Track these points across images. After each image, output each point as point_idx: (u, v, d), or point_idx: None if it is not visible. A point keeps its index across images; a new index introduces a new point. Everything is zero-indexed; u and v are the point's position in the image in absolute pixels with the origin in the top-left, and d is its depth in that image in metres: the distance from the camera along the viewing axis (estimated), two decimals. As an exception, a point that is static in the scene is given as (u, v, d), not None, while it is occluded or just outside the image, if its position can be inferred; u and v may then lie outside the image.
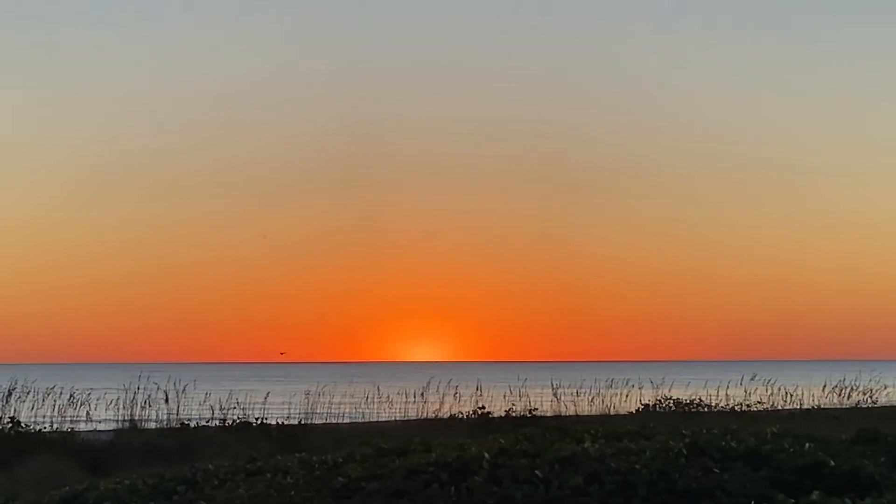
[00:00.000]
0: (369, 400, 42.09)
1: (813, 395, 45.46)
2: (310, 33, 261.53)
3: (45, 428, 31.09)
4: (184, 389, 35.61)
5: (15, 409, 32.48)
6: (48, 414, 34.04)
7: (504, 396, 40.01)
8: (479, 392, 40.23)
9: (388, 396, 42.26)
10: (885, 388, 47.67)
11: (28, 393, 34.53)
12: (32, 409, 33.96)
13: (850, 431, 21.00)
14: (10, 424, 30.06)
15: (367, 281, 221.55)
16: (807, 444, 17.26)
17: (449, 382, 41.49)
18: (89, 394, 36.38)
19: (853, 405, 43.64)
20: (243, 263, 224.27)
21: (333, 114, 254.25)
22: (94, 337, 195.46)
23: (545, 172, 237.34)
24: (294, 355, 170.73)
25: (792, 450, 16.76)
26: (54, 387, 35.69)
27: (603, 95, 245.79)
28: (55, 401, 35.10)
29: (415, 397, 40.57)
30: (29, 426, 30.62)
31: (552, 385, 42.95)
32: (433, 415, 37.46)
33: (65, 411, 34.70)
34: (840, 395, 45.67)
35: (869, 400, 45.22)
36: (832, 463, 16.06)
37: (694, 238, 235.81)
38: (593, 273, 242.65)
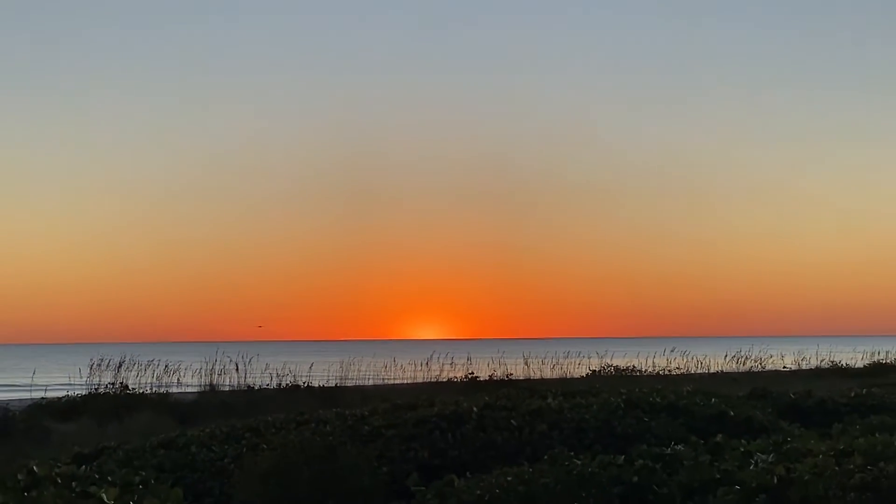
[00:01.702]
0: (387, 368, 42.52)
1: (717, 363, 46.07)
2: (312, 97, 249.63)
3: (146, 391, 31.54)
4: (249, 361, 36.07)
5: (124, 377, 32.80)
6: (148, 380, 34.37)
7: (488, 365, 40.20)
8: (469, 362, 40.60)
9: (401, 365, 42.77)
10: (771, 357, 48.51)
11: (134, 364, 34.87)
12: (137, 376, 34.14)
13: (745, 390, 21.45)
14: (121, 388, 30.50)
15: (382, 278, 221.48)
16: (713, 399, 17.54)
17: (446, 355, 42.31)
18: (178, 365, 36.76)
19: (747, 370, 44.33)
20: (285, 264, 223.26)
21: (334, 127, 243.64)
22: (181, 320, 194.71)
23: (517, 192, 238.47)
24: (325, 335, 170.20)
25: (702, 403, 17.01)
26: (153, 360, 36.15)
27: (544, 134, 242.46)
28: (153, 370, 35.50)
29: (421, 366, 41.54)
30: (134, 389, 31.09)
31: (524, 356, 43.75)
32: (435, 379, 37.84)
33: (160, 378, 35.17)
34: (737, 362, 46.44)
35: (759, 366, 46.26)
36: (732, 413, 16.40)
37: (626, 244, 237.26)
38: (554, 271, 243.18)
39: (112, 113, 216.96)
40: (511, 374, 37.50)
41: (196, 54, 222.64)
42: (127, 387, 31.09)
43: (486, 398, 17.49)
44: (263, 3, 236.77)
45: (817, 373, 40.81)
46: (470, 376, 35.97)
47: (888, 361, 46.84)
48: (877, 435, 12.43)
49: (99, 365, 34.12)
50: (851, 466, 9.04)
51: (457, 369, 39.53)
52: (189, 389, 33.89)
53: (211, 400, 29.61)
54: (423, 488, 11.49)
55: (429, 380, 37.53)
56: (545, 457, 12.23)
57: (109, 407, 27.06)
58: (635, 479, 10.79)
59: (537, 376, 39.00)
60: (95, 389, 31.06)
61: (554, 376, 39.37)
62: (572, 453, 12.32)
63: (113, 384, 31.30)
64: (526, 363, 42.65)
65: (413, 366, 42.03)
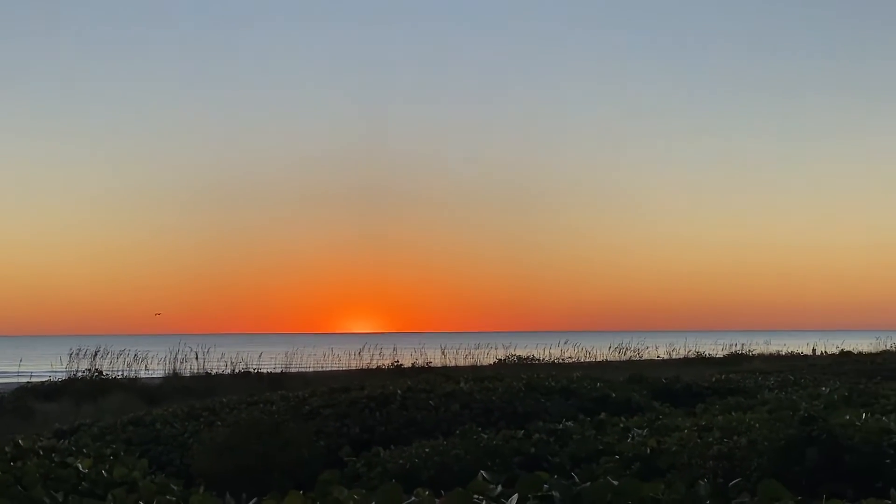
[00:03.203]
0: (325, 357, 42.34)
1: (602, 353, 46.01)
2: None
3: (118, 376, 31.18)
4: (207, 351, 35.88)
5: (99, 364, 32.38)
6: (120, 367, 33.87)
7: (411, 354, 40.17)
8: (395, 352, 40.30)
9: (338, 355, 42.37)
10: (647, 348, 48.61)
11: (107, 354, 34.46)
12: (110, 363, 33.57)
13: (625, 375, 21.60)
14: (96, 373, 30.27)
15: (320, 276, 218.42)
16: (598, 384, 17.72)
17: (376, 346, 41.65)
18: (146, 354, 36.49)
19: (627, 359, 44.33)
20: (243, 266, 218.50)
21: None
22: (147, 317, 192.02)
23: (439, 199, 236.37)
24: (274, 329, 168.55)
25: (589, 387, 17.18)
26: (124, 349, 35.79)
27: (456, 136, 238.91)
28: (124, 358, 35.12)
29: (354, 356, 40.95)
30: (108, 375, 30.79)
31: (441, 347, 43.59)
32: (366, 366, 37.51)
33: (130, 365, 34.77)
34: (619, 352, 46.54)
35: (637, 355, 46.33)
36: (614, 395, 16.56)
37: (530, 249, 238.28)
38: (467, 272, 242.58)
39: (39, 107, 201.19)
40: (430, 363, 37.43)
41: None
42: (101, 372, 30.84)
43: (409, 383, 17.55)
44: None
45: (685, 361, 41.18)
46: (395, 364, 35.99)
47: (744, 352, 47.43)
48: (733, 413, 12.63)
49: (77, 354, 33.78)
50: (711, 439, 9.17)
51: (385, 358, 39.39)
52: (155, 375, 33.56)
53: (174, 384, 29.36)
54: (354, 458, 11.52)
55: (361, 367, 37.38)
56: (457, 432, 12.25)
57: (86, 390, 26.87)
58: (532, 450, 10.88)
59: (452, 364, 38.86)
60: (74, 375, 30.87)
61: (466, 364, 39.30)
62: (480, 429, 12.39)
63: (89, 370, 30.99)
64: (443, 353, 42.62)
65: (348, 355, 41.84)
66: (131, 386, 28.30)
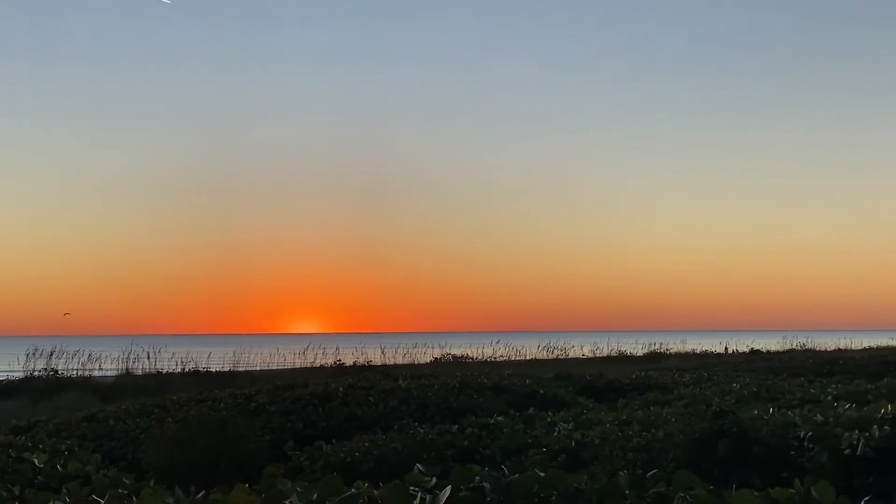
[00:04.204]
0: (271, 356, 42.31)
1: (532, 352, 46.47)
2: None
3: (73, 374, 30.76)
4: (158, 351, 35.57)
5: (54, 363, 32.14)
6: (75, 366, 33.52)
7: (352, 353, 39.93)
8: (337, 351, 40.43)
9: (283, 354, 42.47)
10: (573, 347, 48.94)
11: (63, 353, 34.26)
12: (65, 363, 33.33)
13: (552, 373, 21.79)
14: (52, 372, 29.86)
15: (265, 278, 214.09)
16: (527, 381, 17.82)
17: (319, 346, 41.85)
18: (100, 353, 36.17)
19: (554, 357, 44.56)
20: (192, 269, 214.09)
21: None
22: (102, 318, 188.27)
23: (383, 206, 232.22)
24: (224, 329, 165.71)
25: (519, 384, 17.29)
26: (79, 350, 35.44)
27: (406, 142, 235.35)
28: (79, 358, 34.76)
29: (299, 355, 40.96)
30: (63, 373, 30.36)
31: (381, 347, 43.83)
32: (310, 365, 37.19)
33: (85, 364, 34.38)
34: (547, 352, 46.97)
35: (563, 354, 46.58)
36: (542, 391, 16.73)
37: (462, 254, 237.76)
38: (405, 276, 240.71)
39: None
40: (370, 361, 37.30)
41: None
42: (57, 371, 30.47)
43: (350, 380, 17.53)
44: None
45: (608, 359, 41.49)
46: (338, 363, 35.81)
47: (662, 351, 47.89)
48: (651, 408, 12.74)
49: (34, 353, 33.56)
50: (631, 433, 9.24)
51: (327, 357, 39.33)
52: (109, 373, 33.19)
53: (127, 382, 29.01)
54: (297, 452, 11.47)
55: (305, 366, 37.17)
56: (395, 426, 12.28)
57: (42, 388, 26.47)
58: (466, 443, 10.89)
59: (391, 363, 38.94)
60: (31, 373, 30.53)
61: (405, 363, 39.43)
62: (417, 424, 12.48)
63: (45, 369, 30.66)
64: (383, 352, 42.68)
65: (293, 354, 41.78)
66: (86, 384, 27.90)
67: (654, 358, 42.21)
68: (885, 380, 15.01)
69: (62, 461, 7.11)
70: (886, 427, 7.16)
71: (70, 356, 34.80)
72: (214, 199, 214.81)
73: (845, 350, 44.84)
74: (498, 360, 41.53)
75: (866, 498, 4.21)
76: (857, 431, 7.18)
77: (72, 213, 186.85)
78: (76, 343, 39.49)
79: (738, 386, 16.76)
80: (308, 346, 41.39)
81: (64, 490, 5.01)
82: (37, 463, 7.00)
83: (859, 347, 47.39)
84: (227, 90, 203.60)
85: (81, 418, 15.53)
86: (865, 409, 8.66)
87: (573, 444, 9.53)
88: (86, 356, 35.43)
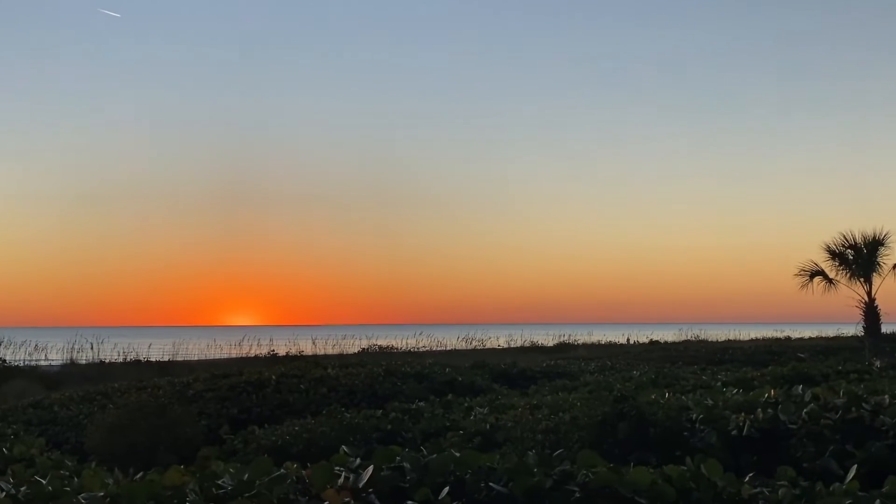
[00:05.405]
0: (209, 347, 41.84)
1: (452, 343, 46.49)
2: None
3: (20, 364, 30.19)
4: (101, 342, 34.97)
5: (1, 352, 31.64)
6: (22, 356, 33.12)
7: (285, 344, 39.78)
8: (271, 342, 39.96)
9: (220, 345, 42.03)
10: (489, 338, 49.12)
11: (10, 343, 33.78)
12: (12, 352, 32.89)
13: (470, 362, 21.92)
14: (0, 361, 29.21)
15: (204, 275, 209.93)
16: (447, 369, 17.85)
17: (254, 337, 41.49)
18: (46, 344, 35.68)
19: (472, 348, 44.47)
20: (133, 262, 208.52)
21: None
22: (48, 310, 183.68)
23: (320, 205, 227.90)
24: (165, 321, 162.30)
25: (439, 372, 17.30)
26: (26, 340, 34.99)
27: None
28: (26, 348, 34.31)
29: (235, 346, 40.69)
30: (10, 362, 29.75)
31: (312, 338, 43.39)
32: (245, 355, 36.82)
33: (31, 354, 33.96)
34: (465, 342, 46.98)
35: (481, 345, 46.60)
36: (460, 379, 16.76)
37: (391, 249, 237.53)
38: (335, 272, 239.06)
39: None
40: (302, 351, 36.97)
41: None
42: (4, 360, 29.70)
43: (282, 369, 17.43)
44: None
45: (521, 350, 41.66)
46: (271, 353, 35.52)
47: (570, 341, 48.29)
48: (559, 394, 12.90)
49: (-19, 344, 32.69)
50: (540, 416, 9.33)
51: (262, 348, 38.94)
52: (54, 363, 32.59)
53: (71, 371, 28.50)
54: (232, 436, 11.42)
55: (241, 356, 36.82)
56: (324, 412, 12.27)
57: (-11, 376, 25.69)
58: (389, 427, 10.91)
59: (322, 353, 38.62)
60: (-22, 363, 29.58)
61: (334, 353, 39.03)
62: (344, 409, 12.46)
63: (-8, 359, 29.80)
64: (313, 343, 42.31)
65: (229, 345, 41.42)
66: (32, 373, 27.33)
67: (563, 348, 42.50)
68: (770, 367, 15.33)
69: (8, 445, 6.98)
70: (770, 410, 7.31)
71: (17, 346, 34.29)
72: (156, 197, 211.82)
73: (734, 341, 45.67)
74: (420, 350, 41.43)
75: (750, 475, 4.31)
76: (743, 414, 7.33)
77: (17, 208, 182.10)
78: (23, 334, 38.75)
79: (638, 373, 17.00)
80: (244, 338, 41.02)
81: (9, 471, 4.93)
82: (-17, 447, 6.85)
83: (747, 339, 48.19)
84: (139, 93, 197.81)
85: (27, 405, 15.23)
86: (751, 393, 8.85)
87: (488, 427, 9.60)
88: (32, 346, 34.98)
